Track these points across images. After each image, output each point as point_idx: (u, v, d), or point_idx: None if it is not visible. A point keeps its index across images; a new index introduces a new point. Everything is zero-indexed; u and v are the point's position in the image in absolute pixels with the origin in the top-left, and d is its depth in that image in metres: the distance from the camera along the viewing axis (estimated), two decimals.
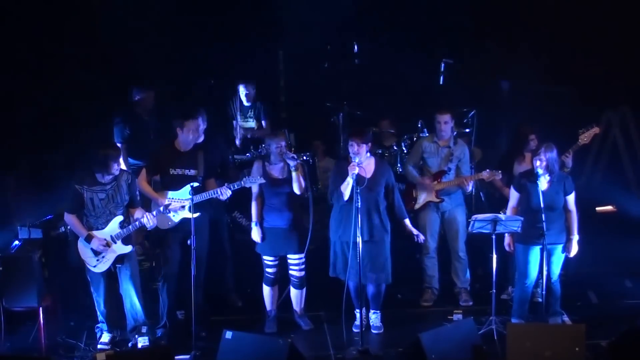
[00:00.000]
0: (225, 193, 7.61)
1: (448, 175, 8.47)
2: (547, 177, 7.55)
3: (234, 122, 9.54)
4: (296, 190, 7.69)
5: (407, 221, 7.89)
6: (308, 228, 7.79)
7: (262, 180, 7.68)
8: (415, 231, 7.91)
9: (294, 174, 7.66)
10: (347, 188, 7.56)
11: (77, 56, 9.53)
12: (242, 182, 7.65)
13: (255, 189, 7.82)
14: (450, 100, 9.46)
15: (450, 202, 8.51)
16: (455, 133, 8.61)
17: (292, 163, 7.65)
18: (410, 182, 8.68)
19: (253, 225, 7.85)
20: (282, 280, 8.01)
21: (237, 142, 9.47)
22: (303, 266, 7.89)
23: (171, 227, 7.72)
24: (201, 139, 7.95)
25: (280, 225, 7.79)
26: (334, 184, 7.75)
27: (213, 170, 7.96)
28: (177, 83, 9.85)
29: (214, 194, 7.59)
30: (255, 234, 7.84)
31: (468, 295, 8.59)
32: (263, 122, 9.55)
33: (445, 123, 8.40)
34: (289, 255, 7.86)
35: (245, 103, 9.53)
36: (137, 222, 7.42)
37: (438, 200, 8.47)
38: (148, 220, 7.38)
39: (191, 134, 7.71)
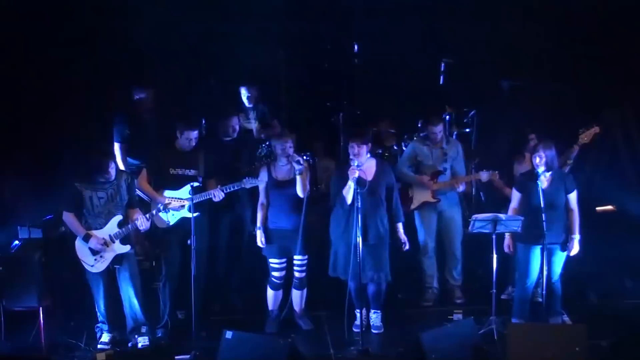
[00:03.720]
0: (218, 195, 7.61)
1: (444, 175, 8.48)
2: (548, 175, 7.55)
3: None
4: (300, 192, 7.69)
5: (400, 225, 7.86)
6: (309, 228, 7.80)
7: (262, 182, 7.68)
8: (404, 238, 7.86)
9: (298, 177, 7.65)
10: (349, 192, 7.55)
11: (78, 55, 9.53)
12: (242, 183, 7.66)
13: (261, 194, 7.82)
14: (450, 100, 9.46)
15: (447, 202, 8.54)
16: (455, 133, 8.61)
17: (297, 167, 7.63)
18: (405, 183, 8.66)
19: (257, 230, 7.84)
20: (287, 284, 8.01)
21: None
22: (305, 267, 7.89)
23: (169, 226, 7.72)
24: (237, 129, 8.22)
25: (286, 227, 7.78)
26: (336, 188, 7.72)
27: (215, 170, 7.96)
28: (178, 83, 9.84)
29: (207, 195, 7.59)
30: (259, 239, 7.83)
31: (461, 292, 8.65)
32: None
33: (440, 132, 8.48)
34: (294, 256, 7.85)
35: (247, 104, 9.52)
36: (131, 225, 7.43)
37: (434, 200, 8.48)
38: (141, 223, 7.40)
39: (188, 141, 7.73)
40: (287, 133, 7.95)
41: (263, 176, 7.80)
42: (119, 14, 9.54)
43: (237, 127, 8.28)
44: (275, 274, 7.90)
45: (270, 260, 7.89)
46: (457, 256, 8.62)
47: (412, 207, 8.58)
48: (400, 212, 7.86)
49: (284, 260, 7.88)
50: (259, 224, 7.83)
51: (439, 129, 8.46)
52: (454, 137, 9.32)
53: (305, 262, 7.87)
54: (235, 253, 8.43)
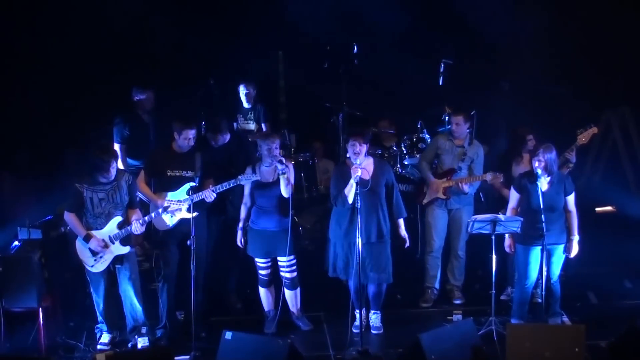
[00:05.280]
0: (209, 196, 7.62)
1: (458, 174, 8.48)
2: (547, 178, 7.55)
3: (234, 123, 9.56)
4: (284, 193, 7.69)
5: (402, 222, 7.84)
6: (300, 229, 7.80)
7: (257, 177, 7.69)
8: (405, 235, 7.86)
9: (281, 177, 7.66)
10: (350, 191, 7.54)
11: (77, 55, 9.54)
12: (237, 180, 7.66)
13: (245, 195, 7.84)
14: (449, 101, 9.46)
15: (459, 201, 8.53)
16: (469, 131, 8.62)
17: (280, 167, 7.65)
18: (422, 179, 8.73)
19: (238, 230, 7.88)
20: (277, 281, 8.00)
21: None
22: (294, 267, 7.88)
23: (169, 228, 7.73)
24: (227, 138, 8.17)
25: (270, 228, 7.78)
26: (336, 188, 7.71)
27: (211, 170, 7.97)
28: (177, 84, 9.85)
29: (200, 196, 7.59)
30: (238, 239, 7.88)
31: (460, 293, 8.65)
32: (263, 125, 9.55)
33: (457, 124, 8.43)
34: (279, 258, 7.85)
35: (245, 104, 9.52)
36: (129, 227, 7.44)
37: (444, 197, 8.48)
38: (136, 228, 7.42)
39: (186, 141, 7.73)
40: (273, 134, 7.92)
41: (247, 176, 7.76)
42: (120, 14, 9.57)
43: (221, 137, 8.23)
44: (262, 272, 7.93)
45: (256, 259, 7.91)
46: (460, 256, 8.63)
47: (424, 201, 8.60)
48: (402, 209, 7.84)
49: (269, 260, 7.89)
50: (241, 223, 7.88)
51: (457, 120, 8.39)
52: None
53: (292, 262, 7.87)
54: (231, 253, 8.42)
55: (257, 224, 7.84)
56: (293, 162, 8.07)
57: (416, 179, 9.21)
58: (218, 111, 9.42)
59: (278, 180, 7.71)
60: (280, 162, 7.63)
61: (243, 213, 7.88)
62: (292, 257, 7.85)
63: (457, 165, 8.49)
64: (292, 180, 7.78)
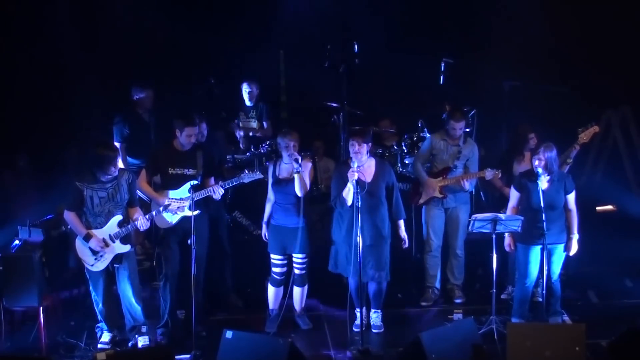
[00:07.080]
0: (217, 191, 7.62)
1: (454, 172, 8.48)
2: (547, 177, 7.56)
3: (236, 120, 9.57)
4: (297, 191, 7.70)
5: (402, 222, 7.86)
6: (308, 227, 7.81)
7: (260, 176, 7.71)
8: (404, 236, 7.87)
9: (295, 176, 7.66)
10: (348, 194, 7.56)
11: (77, 54, 9.55)
12: (240, 178, 7.66)
13: (268, 191, 7.89)
14: (450, 100, 9.47)
15: (455, 200, 8.53)
16: (466, 130, 8.62)
17: (295, 165, 7.66)
18: (416, 179, 8.71)
19: (262, 223, 7.99)
20: (287, 282, 7.99)
21: (240, 141, 9.51)
22: (305, 265, 7.90)
23: (171, 226, 7.72)
24: (203, 138, 8.14)
25: (287, 225, 7.81)
26: (336, 189, 7.73)
27: (212, 169, 7.97)
28: (177, 82, 9.86)
29: (207, 192, 7.59)
30: (263, 233, 7.98)
31: (461, 292, 8.65)
32: (264, 124, 9.56)
33: (460, 129, 8.45)
34: (294, 254, 7.86)
35: (248, 103, 9.54)
36: (131, 225, 7.44)
37: (441, 196, 8.48)
38: (142, 224, 7.41)
39: (188, 139, 7.72)
40: (292, 132, 7.90)
41: (270, 170, 7.86)
42: (120, 13, 9.58)
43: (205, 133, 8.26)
44: (275, 269, 7.92)
45: (272, 256, 7.92)
46: (459, 255, 8.63)
47: (420, 201, 8.60)
48: (401, 210, 7.85)
49: (284, 257, 7.90)
50: (265, 218, 7.95)
51: (460, 125, 8.42)
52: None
53: (305, 260, 7.88)
54: (219, 251, 8.40)
55: (275, 219, 7.88)
56: (311, 161, 8.05)
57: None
58: (218, 109, 9.45)
59: (294, 178, 7.72)
60: (296, 160, 7.65)
61: (268, 209, 7.94)
62: (305, 255, 7.87)
63: (452, 164, 8.50)
64: (307, 180, 7.77)
